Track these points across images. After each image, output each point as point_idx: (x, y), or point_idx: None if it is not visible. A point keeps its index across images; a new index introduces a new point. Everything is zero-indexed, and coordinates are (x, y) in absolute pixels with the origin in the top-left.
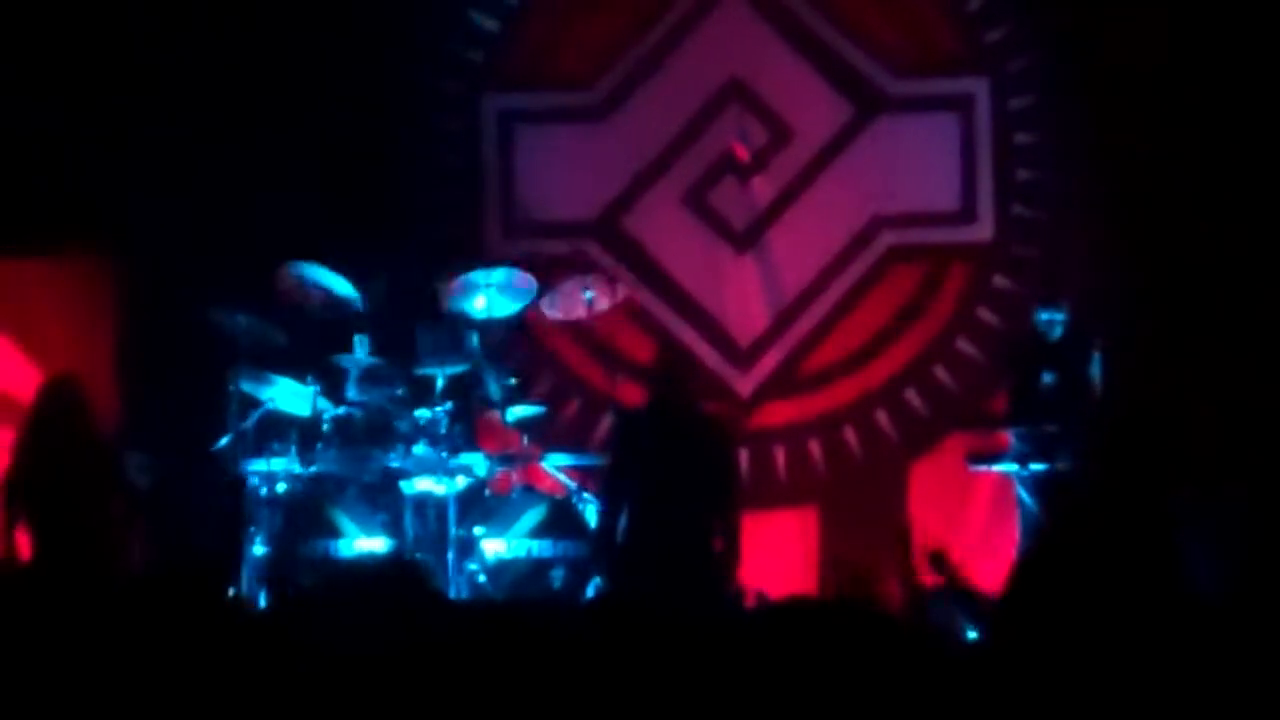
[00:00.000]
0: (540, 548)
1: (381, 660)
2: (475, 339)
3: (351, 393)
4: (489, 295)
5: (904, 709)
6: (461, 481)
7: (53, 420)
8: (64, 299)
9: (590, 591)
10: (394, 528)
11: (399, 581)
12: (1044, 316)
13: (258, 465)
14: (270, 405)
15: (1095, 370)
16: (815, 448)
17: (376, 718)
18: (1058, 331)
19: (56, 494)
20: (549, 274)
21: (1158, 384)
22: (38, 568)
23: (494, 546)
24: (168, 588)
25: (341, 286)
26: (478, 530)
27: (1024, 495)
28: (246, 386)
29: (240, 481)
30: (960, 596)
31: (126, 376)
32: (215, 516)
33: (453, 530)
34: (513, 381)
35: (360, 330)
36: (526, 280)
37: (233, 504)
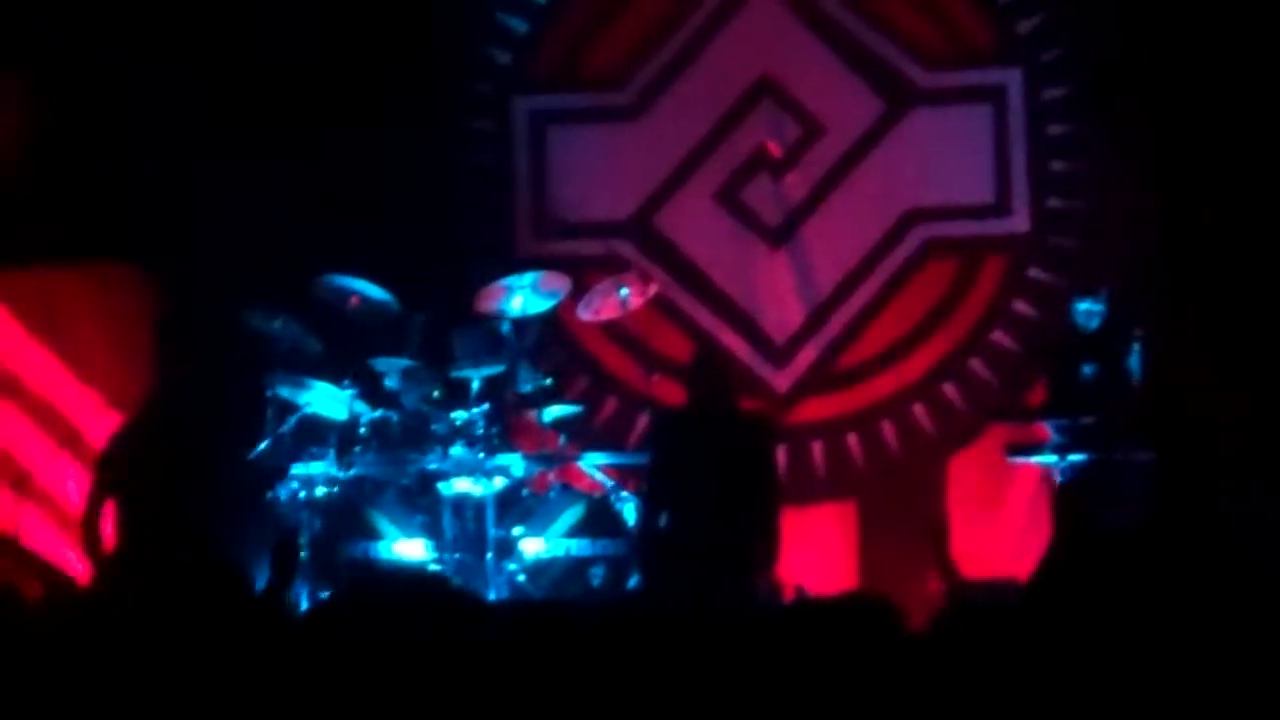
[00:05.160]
0: (579, 547)
1: (420, 661)
2: (511, 340)
3: (389, 396)
4: (524, 295)
5: (935, 701)
6: (499, 482)
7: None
8: (100, 307)
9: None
10: (433, 529)
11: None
12: (1081, 307)
13: (296, 469)
14: (307, 409)
15: (1134, 361)
16: (853, 443)
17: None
18: (1096, 322)
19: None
20: (582, 275)
21: (1197, 374)
22: (127, 551)
23: (533, 546)
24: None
25: (376, 291)
26: (516, 530)
27: None
28: (283, 391)
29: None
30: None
31: (163, 383)
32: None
33: (491, 531)
34: (549, 382)
35: (397, 333)
36: (559, 279)
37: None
